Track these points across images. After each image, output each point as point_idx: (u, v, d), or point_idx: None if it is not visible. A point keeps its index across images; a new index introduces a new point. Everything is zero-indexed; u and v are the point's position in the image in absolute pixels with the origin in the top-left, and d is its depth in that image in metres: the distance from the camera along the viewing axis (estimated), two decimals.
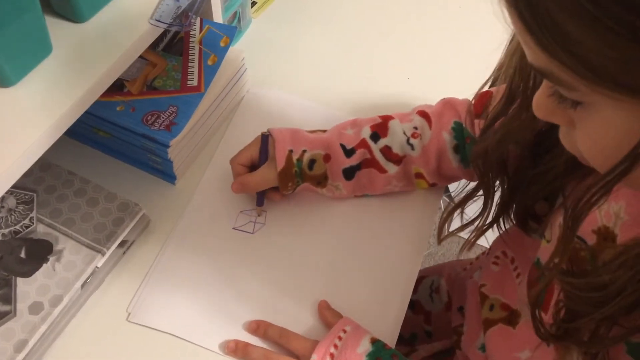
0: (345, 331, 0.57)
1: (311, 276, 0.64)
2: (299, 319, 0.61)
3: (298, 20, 0.90)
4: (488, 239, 0.80)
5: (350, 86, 0.82)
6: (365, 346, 0.56)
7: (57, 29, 0.57)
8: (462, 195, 0.62)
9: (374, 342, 0.57)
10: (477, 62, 0.61)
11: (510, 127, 0.52)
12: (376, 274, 0.65)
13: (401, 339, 0.80)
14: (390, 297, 0.64)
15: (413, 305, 0.83)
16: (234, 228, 0.67)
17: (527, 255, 0.58)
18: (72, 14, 0.58)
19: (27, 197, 0.63)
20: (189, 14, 0.64)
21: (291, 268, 0.65)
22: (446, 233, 0.64)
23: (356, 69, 0.84)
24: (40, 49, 0.55)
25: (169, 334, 0.59)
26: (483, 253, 0.75)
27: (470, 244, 0.61)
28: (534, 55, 0.33)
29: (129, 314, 0.60)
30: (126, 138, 0.67)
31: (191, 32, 0.72)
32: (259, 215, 0.68)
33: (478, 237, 0.61)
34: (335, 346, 0.56)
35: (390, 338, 0.61)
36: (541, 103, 0.38)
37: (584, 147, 0.36)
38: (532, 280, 0.54)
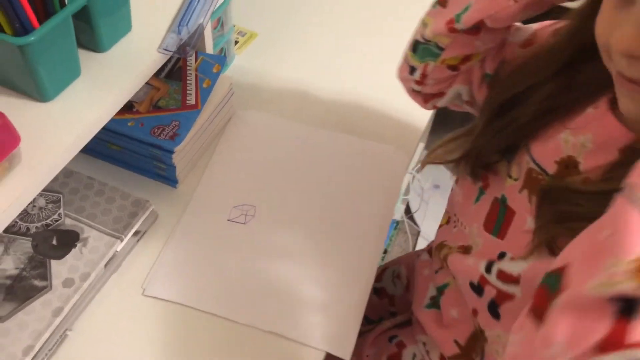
0: None
1: (290, 256, 0.77)
2: (280, 282, 0.74)
3: (273, 55, 1.05)
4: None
5: (320, 106, 0.97)
6: None
7: (84, 57, 0.71)
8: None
9: None
10: None
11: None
12: (342, 261, 0.78)
13: (370, 322, 0.93)
14: (355, 280, 0.77)
15: (379, 292, 0.96)
16: (228, 220, 0.80)
17: (470, 218, 0.70)
18: (96, 46, 0.72)
19: (54, 197, 0.76)
20: (186, 48, 0.79)
21: (274, 249, 0.78)
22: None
23: (324, 92, 0.99)
24: (72, 72, 0.68)
25: (177, 303, 0.72)
26: (431, 243, 0.89)
27: (426, 162, 0.73)
28: None
29: (144, 289, 0.73)
30: (136, 149, 0.81)
31: (188, 62, 0.86)
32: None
33: (439, 161, 0.73)
34: None
35: (355, 313, 0.74)
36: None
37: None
38: (493, 214, 0.65)
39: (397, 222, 1.72)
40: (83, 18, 0.67)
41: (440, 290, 0.76)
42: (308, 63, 1.05)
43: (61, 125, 0.66)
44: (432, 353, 0.77)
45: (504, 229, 0.64)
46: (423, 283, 0.80)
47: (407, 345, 0.81)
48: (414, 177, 1.66)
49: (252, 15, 1.13)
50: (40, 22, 0.60)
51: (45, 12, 0.61)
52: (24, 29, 0.59)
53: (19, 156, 0.59)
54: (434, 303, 0.77)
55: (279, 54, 1.06)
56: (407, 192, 1.66)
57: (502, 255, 0.63)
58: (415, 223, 1.72)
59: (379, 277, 0.97)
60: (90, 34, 0.70)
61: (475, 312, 0.67)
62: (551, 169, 0.58)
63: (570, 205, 0.53)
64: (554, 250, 0.55)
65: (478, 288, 0.65)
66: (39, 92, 0.65)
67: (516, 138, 0.64)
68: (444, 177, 1.79)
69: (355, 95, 0.99)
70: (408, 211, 1.73)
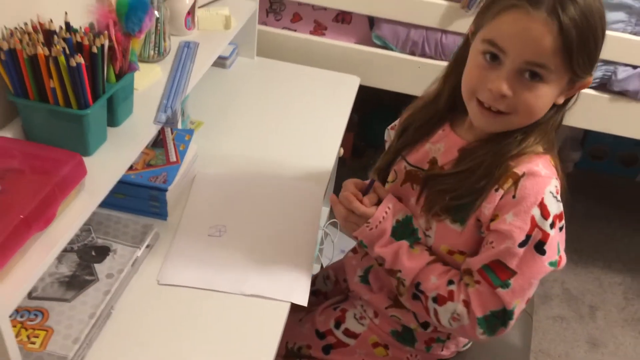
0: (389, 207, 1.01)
1: (252, 252, 1.13)
2: (248, 264, 1.09)
3: (220, 131, 1.46)
4: None
5: (253, 166, 1.37)
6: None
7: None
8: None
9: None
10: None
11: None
12: (288, 244, 1.15)
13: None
14: (301, 251, 1.14)
15: (315, 293, 1.31)
16: (208, 235, 1.16)
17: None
18: (113, 122, 1.07)
19: (86, 227, 1.08)
20: (171, 120, 1.17)
21: (242, 248, 1.13)
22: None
23: (254, 157, 1.40)
24: (103, 137, 1.03)
25: (180, 286, 1.04)
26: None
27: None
28: (545, 59, 0.83)
29: (158, 280, 1.05)
30: (137, 193, 1.15)
31: (166, 135, 1.24)
32: None
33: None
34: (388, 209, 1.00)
35: (305, 274, 1.10)
36: (507, 87, 0.86)
37: (530, 103, 0.87)
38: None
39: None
40: (108, 103, 1.04)
41: (367, 270, 1.14)
42: (242, 140, 1.46)
43: (100, 170, 0.98)
44: (368, 311, 1.14)
45: None
46: (351, 270, 1.18)
47: (348, 309, 1.17)
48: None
49: (199, 108, 1.53)
50: (93, 101, 0.96)
51: (94, 95, 0.97)
52: (84, 105, 0.95)
53: (84, 184, 0.93)
54: (364, 279, 1.14)
55: (225, 129, 1.47)
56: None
57: None
58: None
59: (313, 282, 1.33)
60: (111, 113, 1.06)
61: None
62: (424, 166, 1.02)
63: (440, 184, 0.96)
64: (433, 212, 0.98)
65: None
66: (84, 149, 0.99)
67: (400, 152, 1.07)
68: None
69: (277, 157, 1.41)
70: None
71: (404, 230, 1.00)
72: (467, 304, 0.93)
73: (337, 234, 2.13)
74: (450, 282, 0.96)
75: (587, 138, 2.79)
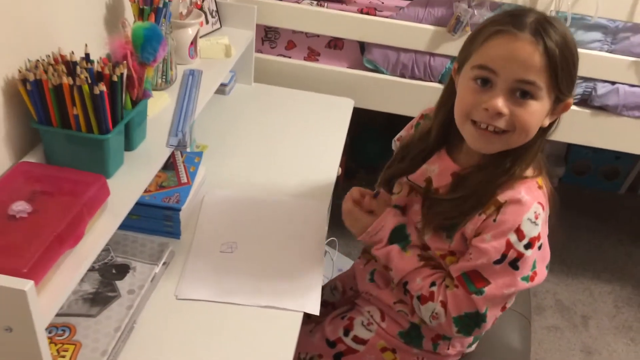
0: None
1: (261, 261, 1.19)
2: (260, 276, 1.14)
3: (224, 154, 1.52)
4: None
5: (256, 185, 1.43)
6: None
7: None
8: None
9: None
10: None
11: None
12: (298, 255, 1.21)
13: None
14: (310, 263, 1.20)
15: (323, 304, 1.37)
16: (220, 251, 1.21)
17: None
18: (128, 146, 1.13)
19: (105, 247, 1.13)
20: (182, 143, 1.23)
21: (253, 262, 1.19)
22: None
23: (257, 178, 1.46)
24: (121, 161, 1.09)
25: (197, 300, 1.09)
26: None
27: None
28: (534, 76, 0.91)
29: (176, 295, 1.10)
30: (152, 214, 1.20)
31: (176, 158, 1.30)
32: None
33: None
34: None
35: (316, 284, 1.16)
36: (503, 104, 0.93)
37: (525, 120, 0.94)
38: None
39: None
40: (125, 128, 1.10)
41: (372, 272, 1.20)
42: (245, 161, 1.53)
43: (120, 191, 1.03)
44: (375, 316, 1.20)
45: None
46: (360, 273, 1.24)
47: (355, 317, 1.22)
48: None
49: (202, 132, 1.60)
50: (112, 127, 1.02)
51: (114, 121, 1.03)
52: (105, 130, 1.00)
53: (107, 204, 0.99)
54: (371, 279, 1.21)
55: (224, 158, 1.53)
56: None
57: None
58: None
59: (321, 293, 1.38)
60: (127, 138, 1.12)
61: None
62: (421, 184, 1.10)
63: (437, 207, 1.05)
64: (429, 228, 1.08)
65: None
66: (105, 172, 1.04)
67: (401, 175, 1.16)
68: None
69: (279, 177, 1.47)
70: None
71: (397, 235, 1.11)
72: (444, 304, 1.03)
73: (336, 253, 2.19)
74: (433, 284, 1.06)
75: (570, 154, 2.90)
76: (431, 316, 1.06)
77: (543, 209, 1.00)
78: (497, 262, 0.98)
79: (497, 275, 0.99)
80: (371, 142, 2.69)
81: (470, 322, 1.02)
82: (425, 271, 1.08)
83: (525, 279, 0.99)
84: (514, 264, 0.98)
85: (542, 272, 1.02)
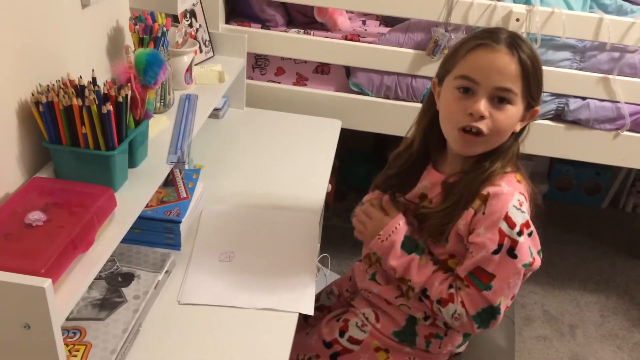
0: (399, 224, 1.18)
1: (258, 268, 1.26)
2: (256, 281, 1.22)
3: (219, 173, 1.61)
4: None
5: (251, 199, 1.51)
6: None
7: None
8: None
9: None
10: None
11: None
12: (290, 262, 1.29)
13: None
14: (303, 266, 1.27)
15: (319, 308, 1.44)
16: (219, 260, 1.28)
17: None
18: (131, 163, 1.21)
19: (110, 258, 1.20)
20: (182, 160, 1.32)
21: (250, 269, 1.26)
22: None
23: (252, 193, 1.55)
24: (125, 176, 1.17)
25: (198, 304, 1.16)
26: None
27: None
28: (511, 83, 1.05)
29: (179, 300, 1.17)
30: (153, 227, 1.28)
31: (175, 175, 1.39)
32: None
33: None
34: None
35: (309, 285, 1.23)
36: (484, 108, 1.05)
37: (502, 121, 1.06)
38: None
39: None
40: (128, 146, 1.19)
41: (373, 274, 1.28)
42: (239, 180, 1.61)
43: (125, 204, 1.10)
44: (369, 318, 1.27)
45: None
46: (360, 274, 1.32)
47: (350, 319, 1.29)
48: None
49: (198, 154, 1.69)
50: (118, 144, 1.11)
51: (119, 139, 1.12)
52: (112, 147, 1.09)
53: (114, 215, 1.06)
54: (372, 279, 1.28)
55: (219, 177, 1.61)
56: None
57: None
58: None
59: (317, 299, 1.45)
60: (130, 156, 1.20)
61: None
62: (415, 200, 1.20)
63: (432, 219, 1.15)
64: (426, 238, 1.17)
65: None
66: (112, 186, 1.12)
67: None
68: None
69: (272, 194, 1.56)
70: None
71: (410, 243, 1.18)
72: (463, 304, 1.11)
73: (328, 271, 2.26)
74: (450, 287, 1.13)
75: (552, 171, 3.01)
76: (453, 317, 1.12)
77: (525, 199, 1.11)
78: (495, 252, 1.07)
79: (499, 266, 1.07)
80: (360, 166, 2.79)
81: (488, 316, 1.10)
82: (440, 275, 1.15)
83: (526, 265, 1.08)
84: (512, 253, 1.07)
85: (537, 258, 1.11)
